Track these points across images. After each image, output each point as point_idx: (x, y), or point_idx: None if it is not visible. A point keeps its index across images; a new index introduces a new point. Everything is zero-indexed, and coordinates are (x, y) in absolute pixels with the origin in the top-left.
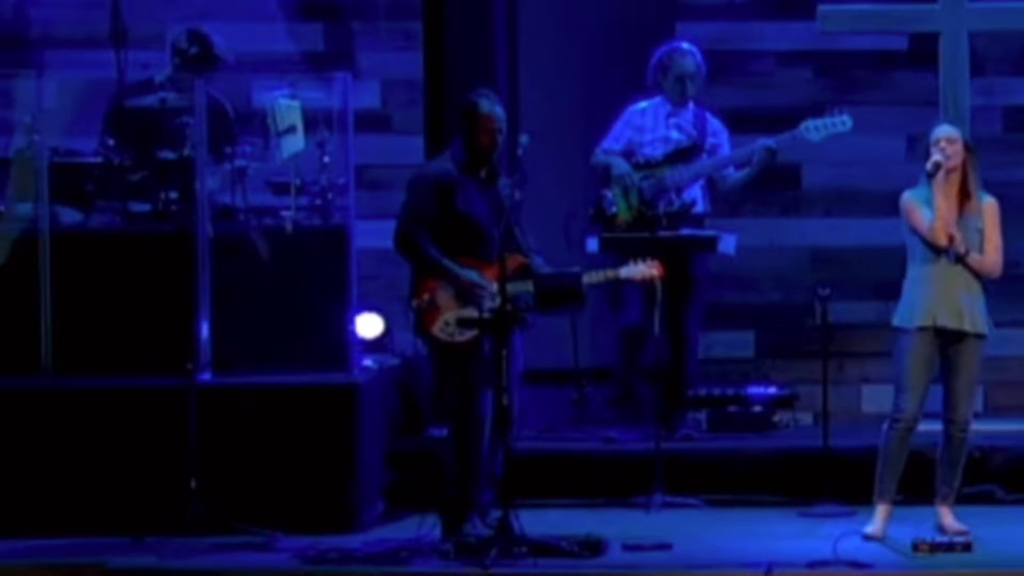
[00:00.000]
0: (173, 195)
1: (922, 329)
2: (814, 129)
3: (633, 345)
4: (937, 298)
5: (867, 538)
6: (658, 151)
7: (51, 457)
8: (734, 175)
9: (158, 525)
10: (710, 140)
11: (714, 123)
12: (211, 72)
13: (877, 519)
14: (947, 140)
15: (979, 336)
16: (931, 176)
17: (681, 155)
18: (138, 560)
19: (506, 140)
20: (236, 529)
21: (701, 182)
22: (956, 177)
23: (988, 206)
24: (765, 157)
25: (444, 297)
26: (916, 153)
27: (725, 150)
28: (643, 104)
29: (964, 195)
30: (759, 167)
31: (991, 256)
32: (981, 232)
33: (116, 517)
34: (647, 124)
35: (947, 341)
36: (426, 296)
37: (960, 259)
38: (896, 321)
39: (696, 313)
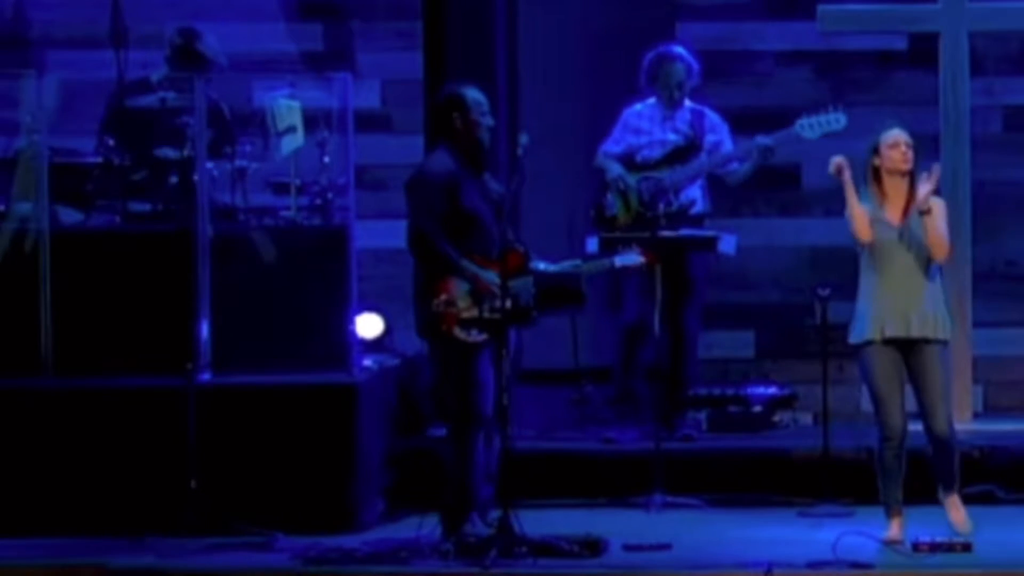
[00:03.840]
0: (173, 195)
1: (873, 342)
2: (808, 127)
3: (633, 343)
4: (886, 309)
5: (887, 543)
6: (656, 152)
7: (51, 457)
8: (739, 169)
9: (158, 525)
10: (709, 138)
11: (712, 119)
12: (204, 72)
13: (893, 528)
14: (907, 144)
15: (937, 341)
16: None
17: (678, 155)
18: (138, 560)
19: (506, 140)
20: (236, 529)
21: (701, 182)
22: (907, 180)
23: (935, 204)
24: (760, 156)
25: (460, 296)
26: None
27: (727, 145)
28: (638, 106)
29: (912, 197)
30: (755, 164)
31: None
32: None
33: (116, 517)
34: (644, 126)
35: (904, 350)
36: (443, 297)
37: (923, 215)
38: (850, 338)
39: (696, 313)
